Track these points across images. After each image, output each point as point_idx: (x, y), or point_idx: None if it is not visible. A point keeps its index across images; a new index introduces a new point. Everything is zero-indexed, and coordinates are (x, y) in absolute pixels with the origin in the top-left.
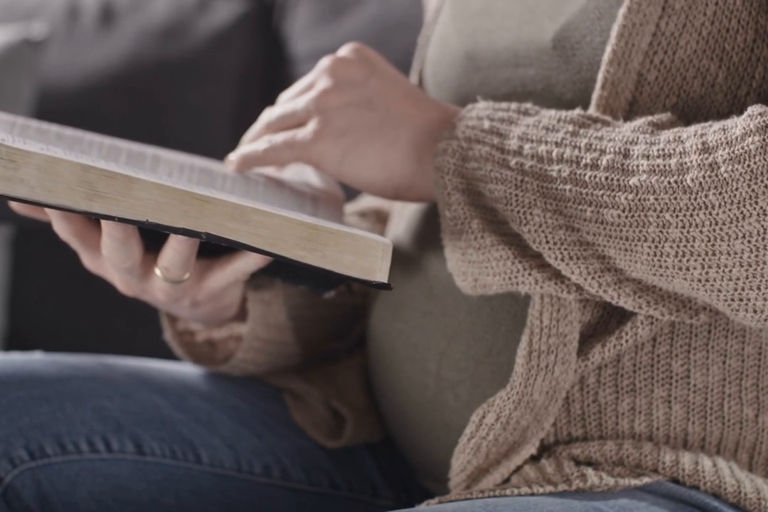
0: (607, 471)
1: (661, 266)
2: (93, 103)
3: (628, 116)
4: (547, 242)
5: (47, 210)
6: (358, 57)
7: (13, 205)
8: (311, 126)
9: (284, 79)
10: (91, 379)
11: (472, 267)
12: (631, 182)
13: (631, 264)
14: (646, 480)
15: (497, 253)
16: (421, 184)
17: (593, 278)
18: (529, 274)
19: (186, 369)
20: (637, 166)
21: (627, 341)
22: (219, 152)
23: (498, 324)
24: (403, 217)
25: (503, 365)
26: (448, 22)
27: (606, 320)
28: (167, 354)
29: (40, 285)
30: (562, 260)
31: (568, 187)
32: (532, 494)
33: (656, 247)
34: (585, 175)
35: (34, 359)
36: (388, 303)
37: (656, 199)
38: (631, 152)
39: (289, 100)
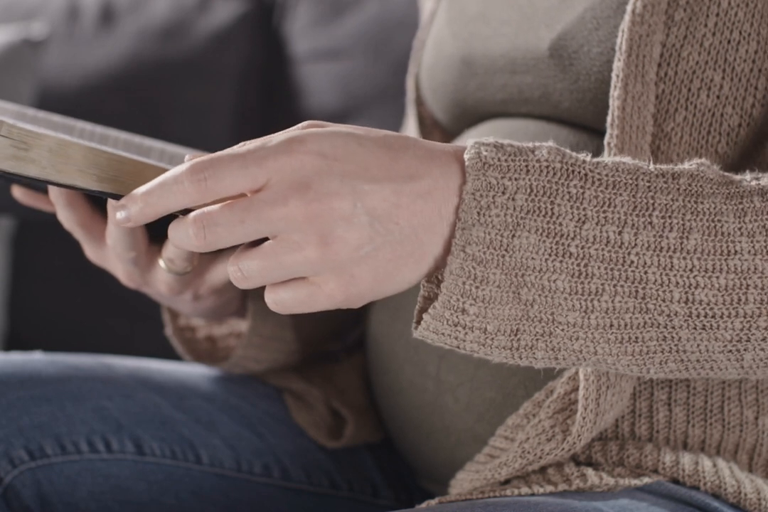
0: (608, 472)
1: (749, 340)
2: (93, 103)
3: (655, 132)
4: (611, 326)
5: (53, 198)
6: (326, 176)
7: (17, 194)
8: (329, 287)
9: (284, 79)
10: (91, 379)
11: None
12: (731, 264)
13: (701, 344)
14: (646, 480)
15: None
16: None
17: (644, 359)
18: None
19: (186, 369)
20: (735, 243)
21: None
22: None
23: None
24: None
25: (502, 368)
26: (444, 26)
27: None
28: (167, 354)
29: (40, 285)
30: (621, 342)
31: (650, 270)
32: (533, 494)
33: (749, 321)
34: (672, 257)
35: (34, 359)
36: (388, 305)
37: (761, 278)
38: (722, 228)
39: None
